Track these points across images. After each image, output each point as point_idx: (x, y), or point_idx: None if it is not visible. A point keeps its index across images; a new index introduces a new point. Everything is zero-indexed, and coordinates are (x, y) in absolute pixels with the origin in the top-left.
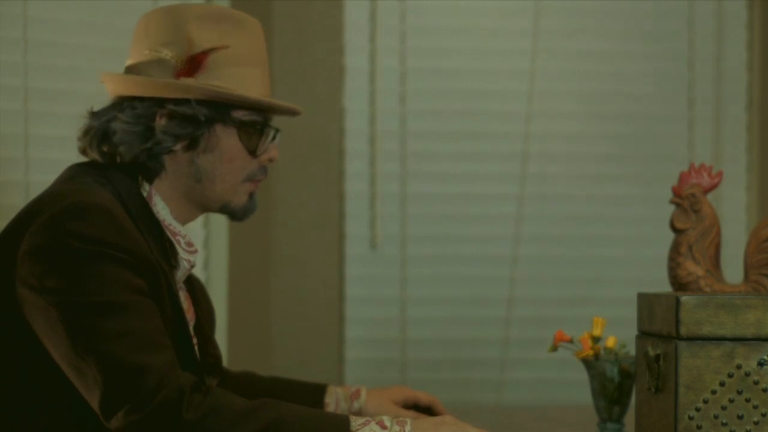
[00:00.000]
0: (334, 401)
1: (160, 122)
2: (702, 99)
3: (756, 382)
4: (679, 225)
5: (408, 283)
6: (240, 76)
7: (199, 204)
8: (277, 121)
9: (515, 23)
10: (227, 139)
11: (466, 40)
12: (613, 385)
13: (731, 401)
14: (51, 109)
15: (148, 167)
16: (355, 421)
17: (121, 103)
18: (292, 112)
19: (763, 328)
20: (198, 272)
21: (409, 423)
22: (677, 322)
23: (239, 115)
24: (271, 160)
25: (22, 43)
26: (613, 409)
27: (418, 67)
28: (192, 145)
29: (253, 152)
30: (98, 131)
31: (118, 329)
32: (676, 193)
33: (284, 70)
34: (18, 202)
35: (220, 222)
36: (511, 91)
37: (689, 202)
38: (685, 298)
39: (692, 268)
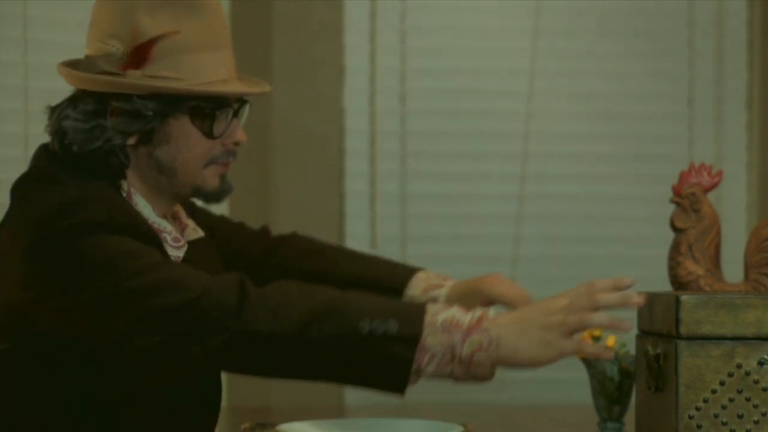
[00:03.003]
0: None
1: (111, 119)
2: (702, 99)
3: (756, 382)
4: (679, 224)
5: None
6: (191, 64)
7: (170, 194)
8: (277, 120)
9: (515, 23)
10: (181, 128)
11: (466, 39)
12: (613, 385)
13: (731, 400)
14: None
15: (110, 164)
16: (433, 306)
17: (76, 97)
18: (251, 95)
19: (763, 328)
20: None
21: (488, 311)
22: (677, 321)
23: (190, 103)
24: (237, 144)
25: (22, 43)
26: (613, 409)
27: (418, 67)
28: (146, 139)
29: (209, 134)
30: (55, 131)
31: (149, 283)
32: (676, 192)
33: (284, 70)
34: None
35: None
36: (511, 91)
37: (689, 202)
38: (685, 298)
39: (692, 268)
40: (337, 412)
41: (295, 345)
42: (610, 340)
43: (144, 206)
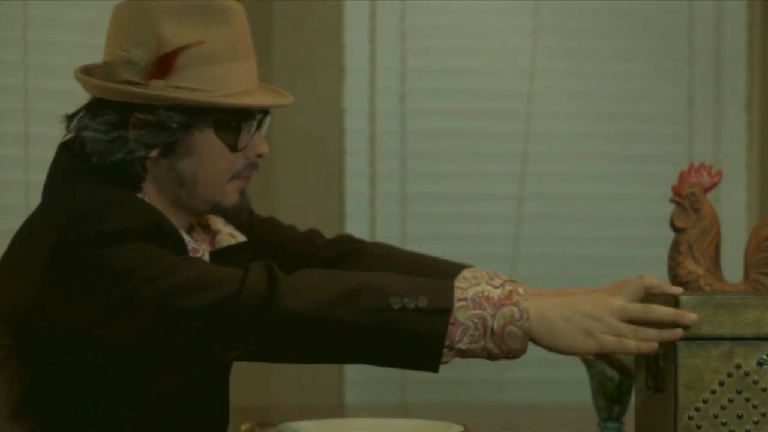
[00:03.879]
0: None
1: (133, 130)
2: (702, 98)
3: (756, 382)
4: (679, 224)
5: None
6: (216, 75)
7: (189, 209)
8: (278, 119)
9: (515, 22)
10: (205, 140)
11: (466, 39)
12: (613, 385)
13: (731, 401)
14: (51, 108)
15: (128, 175)
16: (463, 281)
17: (95, 105)
18: (275, 107)
19: (762, 328)
20: None
21: (521, 290)
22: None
23: (215, 116)
24: (260, 156)
25: (22, 43)
26: (613, 409)
27: (418, 67)
28: (168, 151)
29: (233, 148)
30: (75, 140)
31: (181, 283)
32: (676, 192)
33: (284, 70)
34: (17, 200)
35: None
36: (511, 90)
37: (689, 201)
38: (684, 298)
39: (692, 268)
40: (337, 412)
41: (328, 325)
42: None
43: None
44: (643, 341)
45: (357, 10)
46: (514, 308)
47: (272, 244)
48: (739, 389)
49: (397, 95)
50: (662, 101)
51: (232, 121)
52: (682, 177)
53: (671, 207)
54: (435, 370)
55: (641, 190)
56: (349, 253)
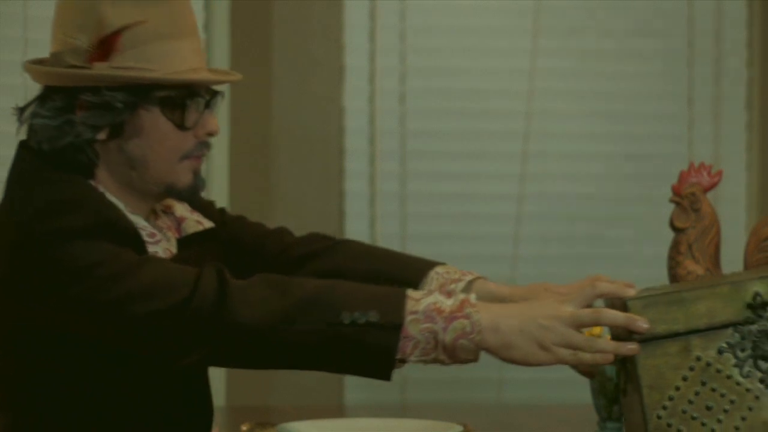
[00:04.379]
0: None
1: (80, 114)
2: (702, 98)
3: (719, 371)
4: (678, 224)
5: None
6: (158, 53)
7: (143, 192)
8: (277, 119)
9: (515, 22)
10: (151, 119)
11: (466, 39)
12: (613, 384)
13: (697, 394)
14: None
15: (79, 161)
16: (415, 292)
17: (45, 94)
18: (221, 83)
19: (715, 317)
20: None
21: (471, 295)
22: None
23: (160, 93)
24: (210, 134)
25: (22, 43)
26: (612, 408)
27: (418, 66)
28: (116, 133)
29: (181, 126)
30: (29, 133)
31: (136, 285)
32: (676, 192)
33: (284, 70)
34: None
35: None
36: (510, 90)
37: (689, 201)
38: (632, 302)
39: (692, 267)
40: (337, 412)
41: (280, 338)
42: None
43: (116, 202)
44: (597, 355)
45: (357, 10)
46: (466, 321)
47: (243, 242)
48: (703, 381)
49: (396, 95)
50: (662, 101)
51: (177, 98)
52: (682, 177)
53: (671, 207)
54: (387, 379)
55: (641, 190)
56: (319, 251)
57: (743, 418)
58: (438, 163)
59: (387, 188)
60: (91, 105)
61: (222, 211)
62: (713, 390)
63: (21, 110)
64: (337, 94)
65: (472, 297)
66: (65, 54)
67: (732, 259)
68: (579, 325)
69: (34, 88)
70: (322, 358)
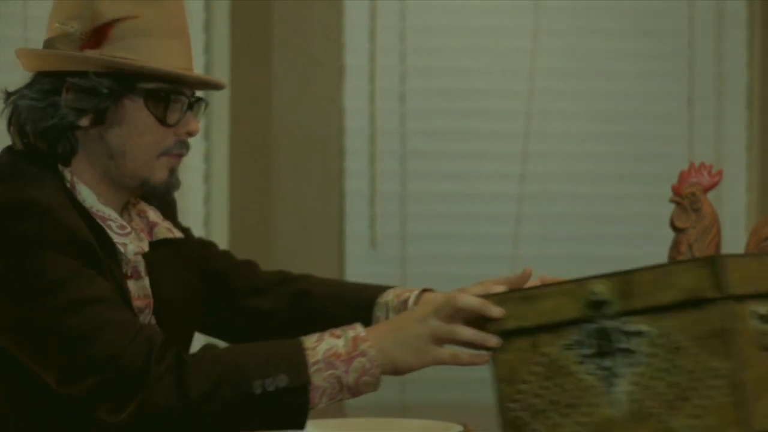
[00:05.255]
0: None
1: (66, 97)
2: (702, 98)
3: (564, 367)
4: (679, 224)
5: (408, 282)
6: (148, 47)
7: (118, 183)
8: (277, 119)
9: (515, 22)
10: (135, 111)
11: (466, 38)
12: None
13: (544, 388)
14: None
15: (60, 147)
16: (309, 340)
17: (34, 79)
18: (207, 84)
19: (560, 314)
20: None
21: (357, 328)
22: (485, 320)
23: (146, 85)
24: (189, 134)
25: (22, 43)
26: None
27: (418, 66)
28: (98, 119)
29: (163, 121)
30: (11, 112)
31: (68, 303)
32: (676, 191)
33: (284, 70)
34: None
35: (220, 222)
36: (511, 90)
37: (689, 201)
38: (489, 299)
39: None
40: (337, 412)
41: (197, 419)
42: None
43: (88, 194)
44: (476, 357)
45: (357, 10)
46: (363, 359)
47: (213, 271)
48: (549, 376)
49: (396, 95)
50: (662, 101)
51: (161, 93)
52: (682, 177)
53: (671, 207)
54: (301, 429)
55: (641, 190)
56: (286, 278)
57: (585, 414)
58: (438, 163)
59: (387, 188)
60: (77, 88)
61: (206, 244)
62: (558, 385)
63: (9, 94)
64: (337, 94)
65: (359, 329)
66: (57, 40)
67: None
68: (439, 340)
69: None
70: (240, 426)
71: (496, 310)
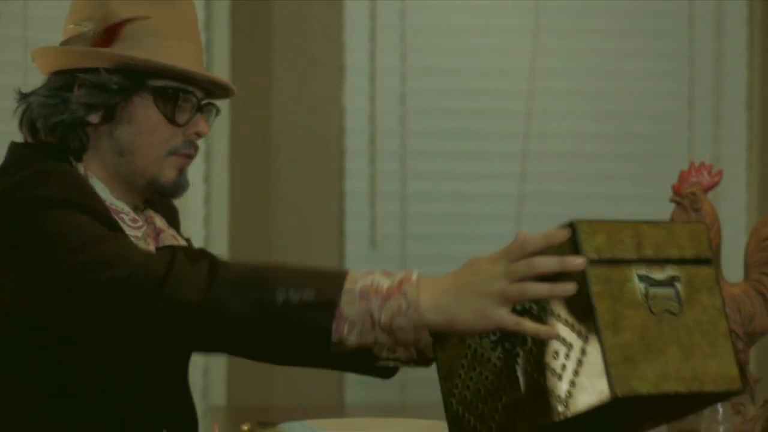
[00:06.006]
0: None
1: (77, 93)
2: (702, 97)
3: (483, 355)
4: None
5: None
6: (159, 47)
7: (129, 182)
8: (277, 119)
9: (515, 22)
10: (144, 109)
11: (466, 38)
12: None
13: (472, 379)
14: None
15: (70, 143)
16: (356, 270)
17: (46, 80)
18: (216, 85)
19: None
20: None
21: (412, 272)
22: None
23: (155, 83)
24: (198, 135)
25: (22, 43)
26: None
27: (418, 66)
28: (108, 115)
29: (172, 120)
30: (23, 111)
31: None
32: (676, 191)
33: (284, 70)
34: None
35: (220, 222)
36: (511, 90)
37: (689, 201)
38: (579, 222)
39: None
40: (337, 412)
41: (213, 315)
42: None
43: (101, 189)
44: (541, 327)
45: (357, 10)
46: (402, 299)
47: None
48: (473, 366)
49: (397, 95)
50: (662, 101)
51: (170, 92)
52: (682, 177)
53: (671, 206)
54: (327, 366)
55: (641, 190)
56: None
57: (501, 398)
58: (438, 163)
59: (387, 188)
60: (88, 84)
61: (199, 249)
62: (481, 374)
63: (23, 95)
64: (338, 94)
65: (414, 274)
66: (71, 41)
67: (732, 259)
68: (515, 279)
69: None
70: (258, 339)
71: (562, 233)
